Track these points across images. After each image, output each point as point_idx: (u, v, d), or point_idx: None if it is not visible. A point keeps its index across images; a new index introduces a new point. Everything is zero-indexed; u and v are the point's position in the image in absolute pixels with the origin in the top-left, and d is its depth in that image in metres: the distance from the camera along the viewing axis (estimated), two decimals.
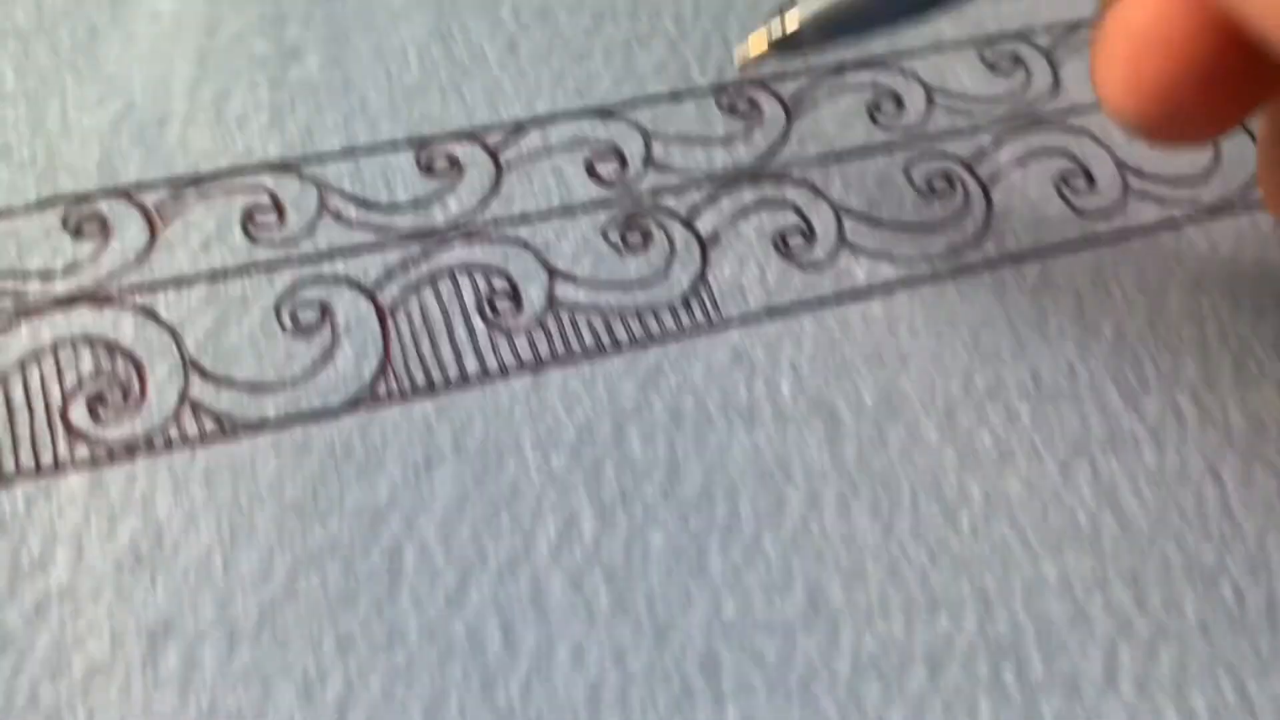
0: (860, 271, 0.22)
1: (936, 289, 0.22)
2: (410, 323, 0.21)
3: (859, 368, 0.21)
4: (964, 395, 0.21)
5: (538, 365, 0.21)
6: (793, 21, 0.22)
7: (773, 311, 0.22)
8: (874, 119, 0.24)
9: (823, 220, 0.23)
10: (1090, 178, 0.24)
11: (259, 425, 0.20)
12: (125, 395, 0.20)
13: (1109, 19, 0.17)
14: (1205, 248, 0.24)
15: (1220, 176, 0.25)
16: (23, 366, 0.20)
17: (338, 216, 0.22)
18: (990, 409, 0.21)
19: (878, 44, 0.25)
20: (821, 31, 0.21)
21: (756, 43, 0.23)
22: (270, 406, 0.20)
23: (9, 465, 0.19)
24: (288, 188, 0.22)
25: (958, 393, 0.21)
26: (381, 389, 0.20)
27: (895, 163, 0.24)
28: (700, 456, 0.20)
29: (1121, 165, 0.24)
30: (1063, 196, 0.24)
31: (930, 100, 0.25)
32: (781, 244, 0.23)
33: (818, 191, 0.23)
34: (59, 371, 0.20)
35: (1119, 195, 0.24)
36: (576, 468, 0.20)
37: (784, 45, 0.22)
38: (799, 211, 0.23)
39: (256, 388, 0.20)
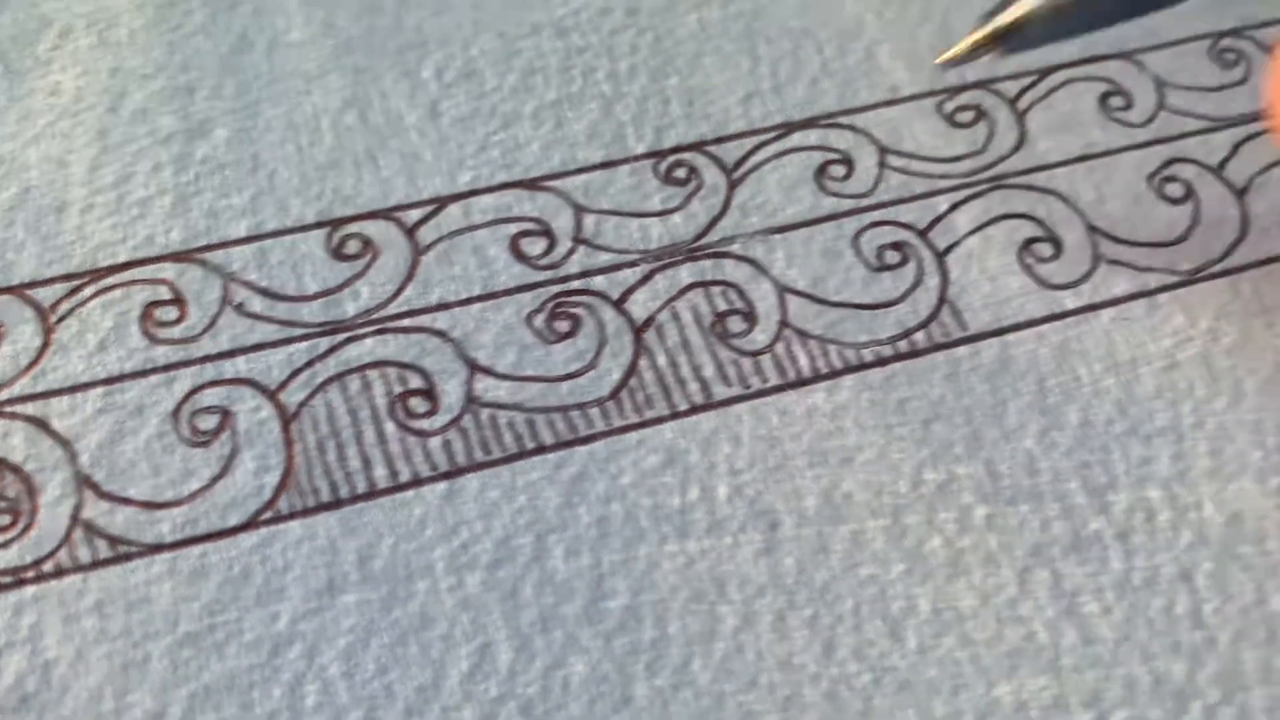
0: (803, 357, 0.21)
1: (885, 375, 0.21)
2: (315, 428, 0.20)
3: (801, 467, 0.20)
4: (913, 495, 0.20)
5: (453, 472, 0.19)
6: (1018, 9, 0.20)
7: (709, 405, 0.20)
8: (821, 184, 0.23)
9: (764, 300, 0.21)
10: (1057, 244, 0.22)
11: (154, 547, 0.19)
12: (14, 517, 0.19)
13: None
14: (1182, 320, 0.22)
15: (1199, 238, 0.23)
16: None
17: (241, 309, 0.20)
18: (941, 510, 0.20)
19: (828, 98, 0.24)
20: (1048, 23, 0.19)
21: (971, 37, 0.20)
22: (166, 526, 0.19)
23: None
24: (190, 279, 0.21)
25: (906, 492, 0.20)
26: (283, 503, 0.19)
27: (843, 233, 0.22)
28: (627, 572, 0.19)
29: (1092, 229, 0.23)
30: (1026, 266, 0.22)
31: (883, 162, 0.23)
32: (720, 327, 0.21)
33: (759, 268, 0.22)
34: None
35: (1088, 263, 0.22)
36: (493, 589, 0.19)
37: (1004, 38, 0.20)
38: (739, 291, 0.21)
39: (152, 505, 0.19)
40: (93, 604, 0.18)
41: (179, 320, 0.20)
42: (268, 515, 0.19)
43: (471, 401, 0.20)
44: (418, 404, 0.20)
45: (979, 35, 0.21)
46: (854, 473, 0.20)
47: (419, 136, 0.23)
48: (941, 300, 0.22)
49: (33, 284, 0.21)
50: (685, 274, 0.22)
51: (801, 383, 0.21)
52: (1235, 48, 0.25)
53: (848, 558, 0.19)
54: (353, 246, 0.21)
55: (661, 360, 0.21)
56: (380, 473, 0.19)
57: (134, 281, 0.21)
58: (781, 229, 0.22)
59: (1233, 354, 0.22)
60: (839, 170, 0.23)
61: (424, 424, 0.20)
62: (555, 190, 0.22)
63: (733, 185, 0.23)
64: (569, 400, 0.20)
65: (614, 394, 0.20)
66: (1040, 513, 0.20)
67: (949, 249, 0.22)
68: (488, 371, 0.20)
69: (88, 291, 0.21)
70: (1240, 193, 0.23)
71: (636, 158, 0.23)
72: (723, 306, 0.21)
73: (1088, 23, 0.20)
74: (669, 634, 0.18)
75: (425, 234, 0.22)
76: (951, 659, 0.19)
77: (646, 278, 0.22)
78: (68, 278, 0.21)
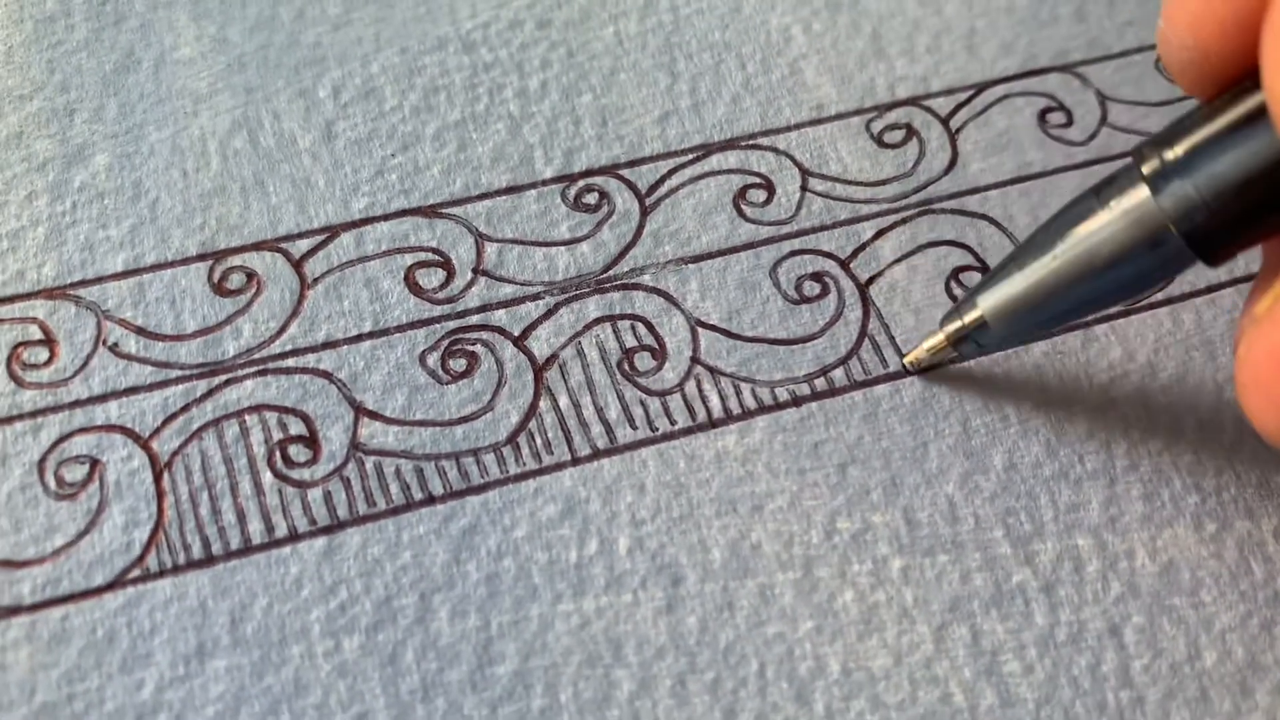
0: (714, 397, 0.20)
1: (800, 415, 0.20)
2: (189, 478, 0.18)
3: (708, 517, 0.19)
4: (825, 546, 0.19)
5: (333, 527, 0.18)
6: (975, 312, 0.19)
7: (613, 449, 0.19)
8: (739, 210, 0.21)
9: (675, 336, 0.20)
10: (988, 272, 0.21)
11: (12, 610, 0.17)
12: None
13: (1258, 342, 0.16)
14: (1119, 354, 0.21)
15: None
16: None
17: (115, 350, 0.19)
18: (855, 562, 0.19)
19: (749, 117, 0.23)
20: (1010, 323, 0.18)
21: (931, 340, 0.19)
22: (26, 586, 0.18)
23: None
24: (62, 317, 0.20)
25: (818, 543, 0.19)
26: (152, 561, 0.18)
27: (761, 263, 0.21)
28: (517, 634, 0.18)
29: None
30: (953, 297, 0.21)
31: (805, 186, 0.22)
32: (627, 365, 0.20)
33: (671, 301, 0.20)
34: None
35: None
36: (371, 654, 0.17)
37: (965, 340, 0.19)
38: (649, 326, 0.20)
39: (12, 564, 0.18)
40: None
41: (49, 362, 0.19)
42: (136, 574, 0.18)
43: (356, 448, 0.19)
44: (298, 452, 0.19)
45: (937, 339, 0.20)
46: (764, 522, 0.19)
47: (311, 160, 0.21)
48: (862, 335, 0.20)
49: None
50: (592, 308, 0.20)
51: (712, 424, 0.19)
52: None
53: (754, 615, 0.18)
54: (235, 280, 0.20)
55: (564, 401, 0.20)
56: (256, 527, 0.18)
57: (1, 320, 0.19)
58: (696, 258, 0.21)
59: (1171, 390, 0.20)
60: (759, 195, 0.22)
61: (304, 474, 0.19)
62: (456, 218, 0.21)
63: (646, 211, 0.21)
64: (462, 446, 0.19)
65: (511, 438, 0.19)
66: (960, 564, 0.19)
67: (872, 279, 0.21)
68: (375, 415, 0.19)
69: None
70: None
71: (544, 182, 0.21)
72: (631, 343, 0.20)
73: (1043, 321, 0.19)
74: (560, 701, 0.17)
75: (314, 266, 0.20)
76: None
77: (550, 312, 0.20)
78: None
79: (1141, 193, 0.17)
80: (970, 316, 0.19)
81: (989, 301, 0.19)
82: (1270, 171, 0.16)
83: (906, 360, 0.20)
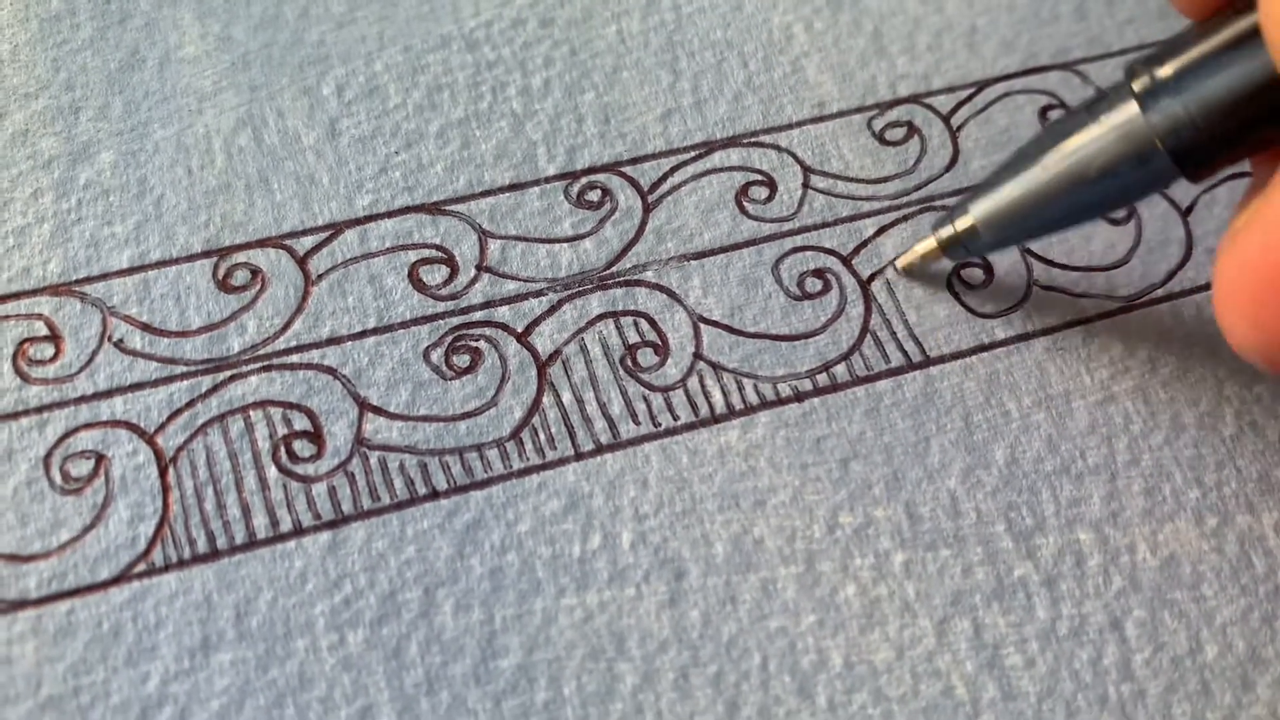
0: (717, 393, 0.20)
1: (802, 411, 0.20)
2: (194, 473, 0.19)
3: (710, 511, 0.19)
4: (828, 540, 0.19)
5: (338, 521, 0.18)
6: (967, 220, 0.19)
7: (616, 445, 0.19)
8: (741, 207, 0.22)
9: (677, 332, 0.20)
10: (989, 269, 0.21)
11: (18, 604, 0.18)
12: None
13: (1230, 256, 0.16)
14: (1120, 350, 0.21)
15: (1141, 262, 0.22)
16: None
17: (120, 346, 0.19)
18: (857, 556, 0.19)
19: (751, 115, 0.23)
20: (999, 230, 0.19)
21: (924, 244, 0.20)
22: (33, 580, 0.18)
23: None
24: (67, 313, 0.20)
25: (820, 537, 0.19)
26: (158, 556, 0.18)
27: (763, 260, 0.21)
28: (521, 628, 0.18)
29: (1026, 253, 0.21)
30: (954, 293, 0.21)
31: (807, 183, 0.22)
32: (630, 361, 0.20)
33: (674, 297, 0.21)
34: None
35: (1021, 290, 0.21)
36: (376, 648, 0.17)
37: (956, 246, 0.20)
38: (651, 322, 0.20)
39: (18, 558, 0.18)
40: None
41: (54, 358, 0.19)
42: (141, 568, 0.18)
43: (360, 444, 0.19)
44: (302, 447, 0.19)
45: (926, 247, 0.20)
46: (766, 516, 0.19)
47: (316, 158, 0.21)
48: (864, 331, 0.21)
49: None
50: (595, 304, 0.20)
51: (714, 420, 0.20)
52: None
53: (756, 609, 0.18)
54: (240, 277, 0.20)
55: (567, 397, 0.20)
56: (260, 522, 0.18)
57: (7, 317, 0.19)
58: (698, 255, 0.21)
59: (1171, 385, 0.21)
60: (761, 192, 0.22)
61: (308, 469, 0.19)
62: (459, 214, 0.21)
63: (648, 209, 0.21)
64: (466, 441, 0.19)
65: (514, 434, 0.19)
66: (962, 558, 0.19)
67: (873, 276, 0.21)
68: (379, 411, 0.19)
69: None
70: (1185, 212, 0.22)
71: (547, 179, 0.22)
72: (634, 339, 0.20)
73: (1032, 230, 0.19)
74: (563, 695, 0.17)
75: (318, 263, 0.20)
76: (864, 717, 0.18)
77: (553, 308, 0.20)
78: None
79: (1131, 109, 0.17)
80: (962, 223, 0.20)
81: (981, 209, 0.19)
82: (1259, 92, 0.16)
83: (899, 264, 0.21)
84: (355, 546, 0.18)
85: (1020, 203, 0.19)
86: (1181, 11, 0.18)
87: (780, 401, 0.20)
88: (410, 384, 0.20)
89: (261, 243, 0.20)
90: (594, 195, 0.21)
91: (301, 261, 0.20)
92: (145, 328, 0.20)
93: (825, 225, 0.21)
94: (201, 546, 0.18)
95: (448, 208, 0.21)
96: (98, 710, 0.17)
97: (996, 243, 0.20)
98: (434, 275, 0.20)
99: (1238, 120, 0.16)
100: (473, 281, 0.20)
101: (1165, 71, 0.17)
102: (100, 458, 0.19)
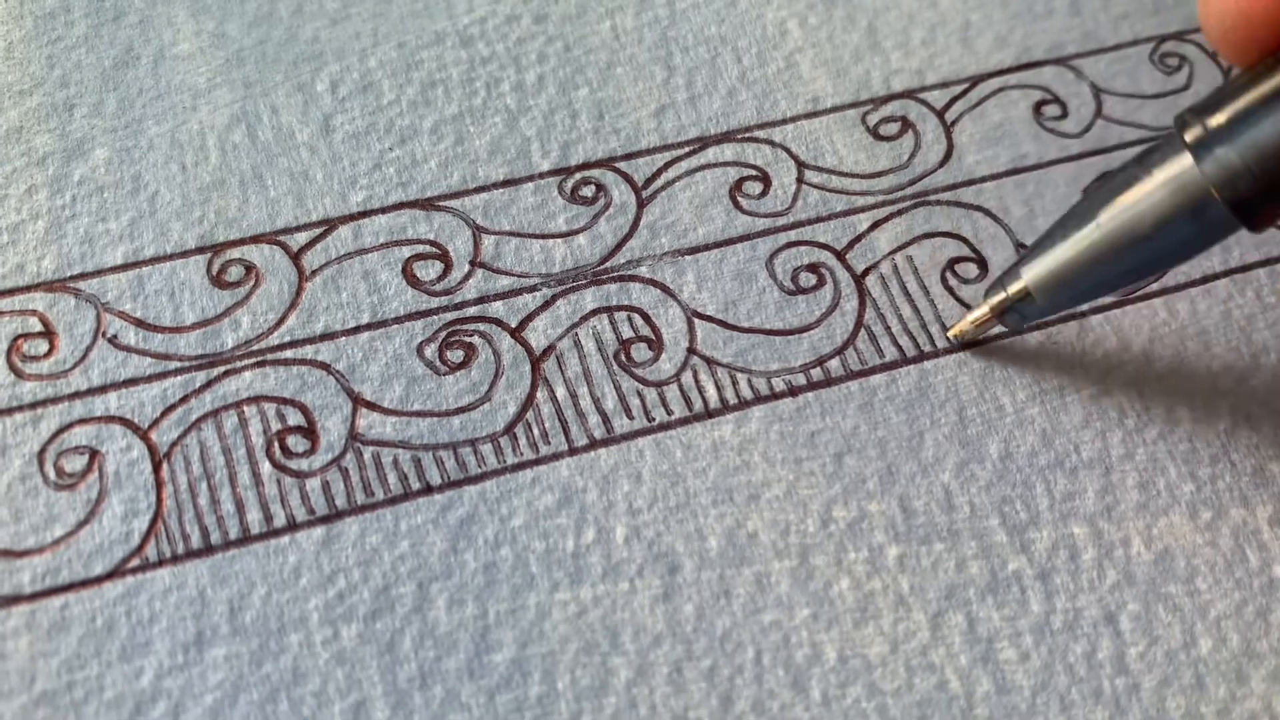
0: (711, 387, 0.20)
1: (796, 405, 0.20)
2: (188, 468, 0.19)
3: (704, 506, 0.19)
4: (822, 534, 0.19)
5: (331, 516, 0.18)
6: (1019, 284, 0.19)
7: (610, 439, 0.19)
8: (736, 202, 0.22)
9: (671, 327, 0.20)
10: (983, 264, 0.21)
11: (12, 599, 0.18)
12: None
13: None
14: (1114, 344, 0.21)
15: None
16: None
17: (114, 341, 0.19)
18: (851, 550, 0.19)
19: (745, 110, 0.23)
20: (1054, 293, 0.18)
21: (977, 312, 0.20)
22: (26, 575, 0.18)
23: None
24: (62, 309, 0.20)
25: (814, 531, 0.19)
26: (151, 551, 0.18)
27: (757, 255, 0.21)
28: (515, 622, 0.18)
29: (1021, 247, 0.21)
30: (948, 287, 0.21)
31: (801, 178, 0.22)
32: (624, 356, 0.20)
33: (668, 292, 0.21)
34: None
35: None
36: (370, 642, 0.17)
37: (1009, 311, 0.19)
38: (645, 317, 0.20)
39: (11, 554, 0.18)
40: None
41: (48, 354, 0.19)
42: (135, 563, 0.18)
43: (354, 439, 0.19)
44: (296, 442, 0.19)
45: (981, 312, 0.20)
46: (760, 511, 0.19)
47: (310, 154, 0.21)
48: (858, 325, 0.21)
49: None
50: (589, 299, 0.20)
51: (708, 414, 0.20)
52: (1177, 52, 0.24)
53: (750, 603, 0.18)
54: (234, 273, 0.20)
55: (560, 392, 0.20)
56: (254, 517, 0.18)
57: (1, 313, 0.20)
58: (692, 250, 0.21)
59: (1166, 380, 0.20)
60: (755, 187, 0.22)
61: (302, 464, 0.19)
62: (453, 210, 0.21)
63: (642, 204, 0.21)
64: (460, 436, 0.19)
65: (508, 429, 0.19)
66: (956, 552, 0.19)
67: (868, 270, 0.21)
68: (373, 406, 0.19)
69: None
70: None
71: (541, 175, 0.22)
72: (628, 334, 0.20)
73: (1087, 292, 0.19)
74: (557, 689, 0.17)
75: (312, 258, 0.20)
76: (858, 710, 0.18)
77: (547, 303, 0.20)
78: None
79: (1185, 160, 0.17)
80: (1014, 288, 0.19)
81: (1033, 272, 0.19)
82: None
83: (951, 334, 0.20)
84: (349, 541, 0.18)
85: (1074, 264, 0.18)
86: (1229, 59, 0.17)
87: (774, 396, 0.20)
88: (404, 379, 0.20)
89: (255, 239, 0.20)
90: (588, 191, 0.21)
91: (295, 257, 0.20)
92: (139, 324, 0.20)
93: (819, 220, 0.21)
94: (195, 542, 0.18)
95: (442, 203, 0.21)
96: (91, 705, 0.17)
97: (1051, 306, 0.19)
98: (428, 271, 0.20)
99: None
100: (467, 277, 0.20)
101: (1218, 120, 0.17)
102: (94, 453, 0.19)
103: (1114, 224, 0.18)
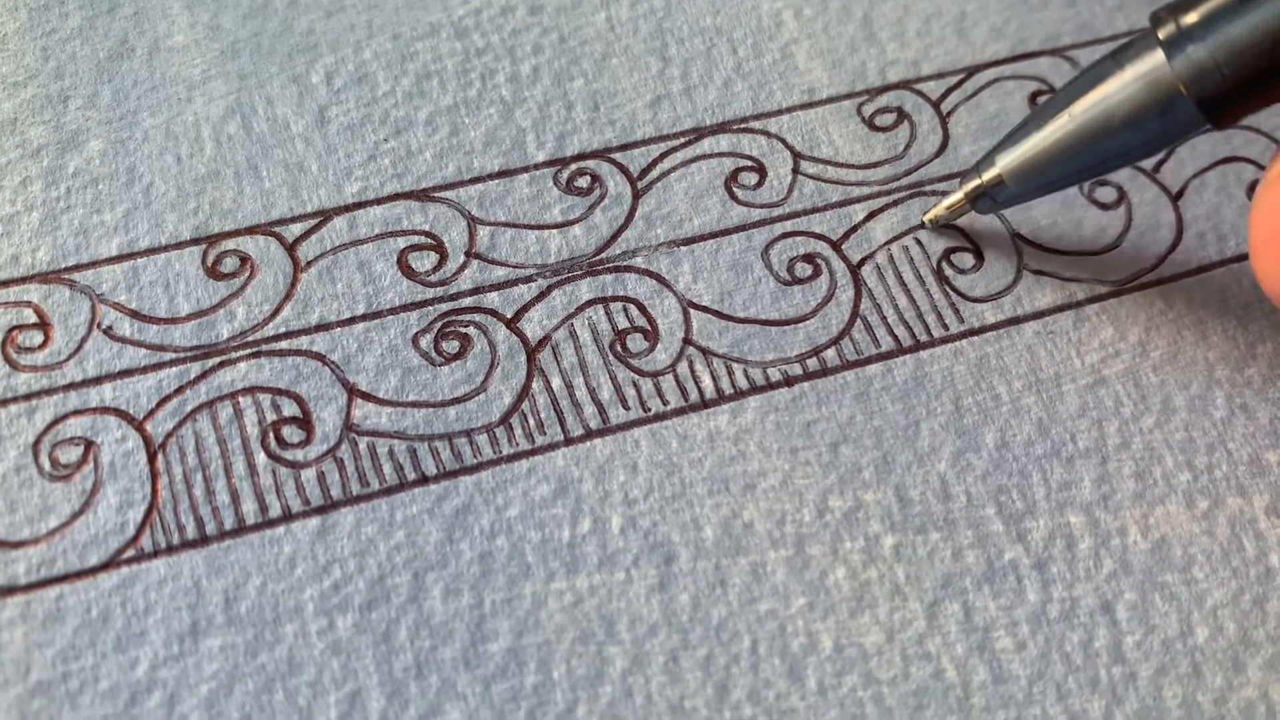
0: (706, 377, 0.20)
1: (792, 395, 0.20)
2: (183, 459, 0.19)
3: (700, 496, 0.19)
4: (817, 524, 0.19)
5: (327, 507, 0.18)
6: (993, 170, 0.20)
7: (606, 430, 0.19)
8: (731, 193, 0.21)
9: (667, 317, 0.20)
10: (978, 254, 0.21)
11: (7, 590, 0.17)
12: None
13: (1266, 201, 0.16)
14: (1110, 333, 0.21)
15: (1131, 246, 0.22)
16: None
17: (109, 333, 0.19)
18: (847, 540, 0.19)
19: (741, 101, 0.23)
20: (1025, 180, 0.19)
21: (951, 197, 0.20)
22: (21, 566, 0.18)
23: None
24: (56, 300, 0.20)
25: (810, 521, 0.19)
26: (147, 541, 0.18)
27: (753, 245, 0.21)
28: (510, 612, 0.18)
29: (1016, 237, 0.21)
30: (943, 278, 0.21)
31: (797, 169, 0.22)
32: (619, 347, 0.20)
33: (663, 283, 0.20)
34: None
35: (1011, 274, 0.21)
36: (365, 632, 0.17)
37: (983, 197, 0.20)
38: (641, 308, 0.20)
39: (6, 545, 0.18)
40: None
41: (43, 345, 0.19)
42: (130, 554, 0.18)
43: (349, 429, 0.19)
44: (291, 433, 0.19)
45: (955, 198, 0.20)
46: (756, 500, 0.19)
47: (305, 145, 0.21)
48: (854, 315, 0.20)
49: None
50: (584, 290, 0.20)
51: (704, 405, 0.20)
52: None
53: (746, 592, 0.18)
54: (229, 264, 0.20)
55: (556, 382, 0.20)
56: (249, 507, 0.18)
57: None
58: (688, 241, 0.21)
59: (1162, 368, 0.20)
60: (750, 178, 0.22)
61: (298, 454, 0.19)
62: (448, 201, 0.21)
63: (638, 195, 0.21)
64: (455, 426, 0.19)
65: (504, 419, 0.19)
66: (952, 541, 0.19)
67: (863, 261, 0.21)
68: (368, 397, 0.19)
69: None
70: (1175, 196, 0.22)
71: (536, 166, 0.22)
72: (623, 324, 0.20)
73: (1057, 180, 0.19)
74: (553, 678, 0.17)
75: (307, 249, 0.20)
76: (854, 699, 0.18)
77: (543, 294, 0.20)
78: None
79: (1157, 57, 0.18)
80: (988, 175, 0.20)
81: (1006, 160, 0.19)
82: None
83: (926, 218, 0.21)
84: (344, 532, 0.18)
85: (1045, 153, 0.19)
86: None
87: (770, 386, 0.20)
88: (399, 370, 0.19)
89: (250, 230, 0.20)
90: (583, 181, 0.21)
91: (290, 248, 0.20)
92: (134, 315, 0.20)
93: (815, 210, 0.21)
94: (190, 532, 0.18)
95: (437, 194, 0.21)
96: (86, 695, 0.17)
97: (1022, 193, 0.20)
98: (423, 262, 0.20)
99: (1263, 65, 0.16)
100: (462, 268, 0.20)
101: (1190, 18, 0.17)
102: (89, 444, 0.19)
103: (1085, 116, 0.18)
